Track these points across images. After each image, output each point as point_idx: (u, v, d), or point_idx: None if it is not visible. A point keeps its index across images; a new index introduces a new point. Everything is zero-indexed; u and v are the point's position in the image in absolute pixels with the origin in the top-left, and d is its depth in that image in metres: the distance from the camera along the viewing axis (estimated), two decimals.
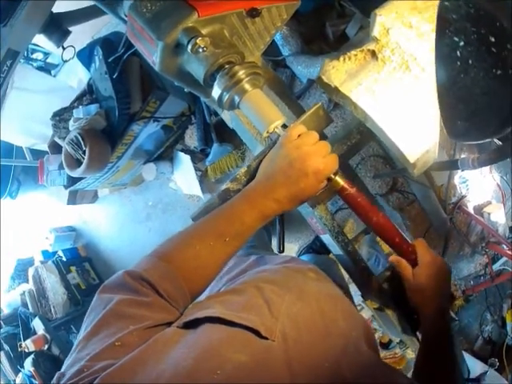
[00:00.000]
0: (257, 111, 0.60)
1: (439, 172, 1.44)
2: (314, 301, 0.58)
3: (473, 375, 1.62)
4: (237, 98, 0.60)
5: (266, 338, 0.45)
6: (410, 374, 1.16)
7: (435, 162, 0.62)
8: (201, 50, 0.57)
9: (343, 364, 0.49)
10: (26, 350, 2.13)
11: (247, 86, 0.60)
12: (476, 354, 1.77)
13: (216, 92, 0.60)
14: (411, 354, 1.09)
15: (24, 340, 2.17)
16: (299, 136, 0.60)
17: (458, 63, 0.44)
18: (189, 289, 0.53)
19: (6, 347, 2.21)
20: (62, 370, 0.41)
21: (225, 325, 0.46)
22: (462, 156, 1.45)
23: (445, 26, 0.44)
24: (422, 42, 0.55)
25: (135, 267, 0.52)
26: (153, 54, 0.61)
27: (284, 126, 0.62)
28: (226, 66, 0.59)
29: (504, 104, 0.55)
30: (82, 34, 1.80)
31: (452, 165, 0.69)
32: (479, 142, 0.59)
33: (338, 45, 1.58)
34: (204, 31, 0.59)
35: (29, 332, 2.27)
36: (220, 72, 0.59)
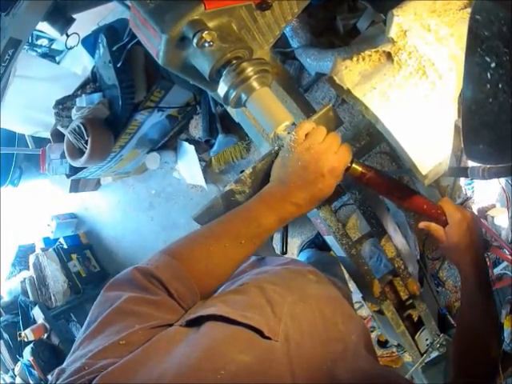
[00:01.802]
0: (264, 111, 0.57)
1: None
2: (315, 303, 0.57)
3: None
4: (244, 96, 0.58)
5: (269, 338, 0.45)
6: (406, 375, 1.18)
7: None
8: (207, 44, 0.54)
9: (341, 368, 0.48)
10: (26, 339, 2.14)
11: (255, 84, 0.57)
12: None
13: (222, 89, 0.57)
14: (408, 358, 1.08)
15: (24, 329, 2.19)
16: (307, 135, 0.58)
17: (488, 86, 0.41)
18: (199, 289, 0.52)
19: (6, 336, 2.24)
20: (63, 365, 0.40)
21: (228, 323, 0.45)
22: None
23: (476, 43, 0.40)
24: (440, 46, 0.52)
25: (145, 263, 0.51)
26: (156, 47, 0.58)
27: (292, 125, 0.60)
28: (234, 62, 0.56)
29: None
30: (87, 21, 1.77)
31: (461, 172, 0.67)
32: (498, 165, 0.57)
33: (348, 39, 1.55)
34: (211, 24, 0.57)
35: (28, 321, 2.29)
36: (227, 68, 0.56)
